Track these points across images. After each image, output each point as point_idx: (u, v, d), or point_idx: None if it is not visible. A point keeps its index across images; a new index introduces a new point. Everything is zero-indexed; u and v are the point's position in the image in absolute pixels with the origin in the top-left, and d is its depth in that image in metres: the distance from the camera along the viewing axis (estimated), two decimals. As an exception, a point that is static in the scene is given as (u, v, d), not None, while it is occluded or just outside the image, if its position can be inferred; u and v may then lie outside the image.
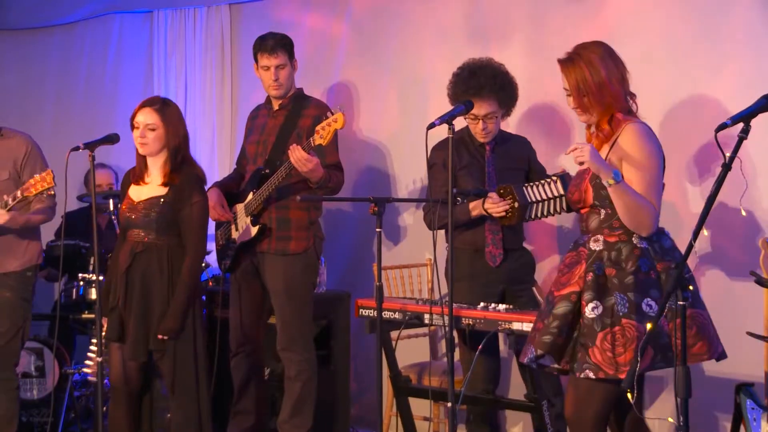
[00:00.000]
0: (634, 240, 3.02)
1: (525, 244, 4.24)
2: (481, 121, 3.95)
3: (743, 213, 3.43)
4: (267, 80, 4.38)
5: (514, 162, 4.04)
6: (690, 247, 2.72)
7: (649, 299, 2.95)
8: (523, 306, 3.84)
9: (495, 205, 3.80)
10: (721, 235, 4.00)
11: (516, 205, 3.75)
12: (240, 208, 4.39)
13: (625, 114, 3.06)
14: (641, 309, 2.95)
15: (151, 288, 3.82)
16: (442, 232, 4.06)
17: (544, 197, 3.72)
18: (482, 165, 4.04)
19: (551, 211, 3.74)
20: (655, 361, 2.93)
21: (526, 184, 3.77)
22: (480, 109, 3.90)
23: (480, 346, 3.62)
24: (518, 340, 3.50)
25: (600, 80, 3.02)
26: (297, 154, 4.03)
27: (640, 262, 2.98)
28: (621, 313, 2.95)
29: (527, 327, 3.41)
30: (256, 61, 4.41)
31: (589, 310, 2.98)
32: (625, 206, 2.96)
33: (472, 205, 3.93)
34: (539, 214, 3.76)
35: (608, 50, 3.09)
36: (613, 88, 3.03)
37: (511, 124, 4.38)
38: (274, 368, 4.59)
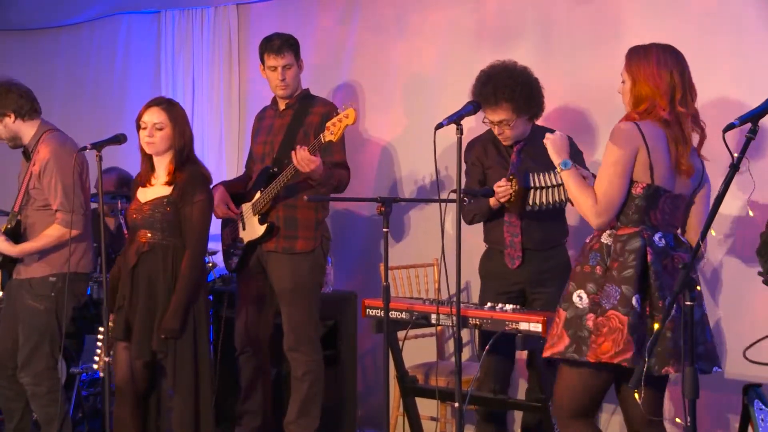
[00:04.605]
0: (603, 236, 3.09)
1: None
2: (496, 127, 3.94)
3: (750, 213, 3.45)
4: (274, 80, 4.39)
5: (543, 164, 3.79)
6: (698, 247, 2.71)
7: (581, 291, 3.05)
8: (538, 308, 3.83)
9: (499, 189, 3.81)
10: (729, 236, 3.98)
11: (516, 189, 3.76)
12: (247, 207, 4.39)
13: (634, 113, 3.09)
14: (571, 299, 3.06)
15: (156, 288, 3.84)
16: (452, 231, 4.02)
17: (546, 184, 3.72)
18: (507, 166, 4.00)
19: (553, 199, 3.73)
20: (568, 350, 3.02)
21: (536, 172, 3.76)
22: (493, 115, 3.90)
23: (487, 346, 3.62)
24: (526, 340, 3.50)
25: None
26: (300, 154, 4.04)
27: (591, 256, 3.08)
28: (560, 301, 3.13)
29: (534, 327, 3.45)
30: (263, 61, 4.42)
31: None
32: (569, 193, 3.14)
33: (491, 199, 3.93)
34: (541, 201, 3.75)
35: None
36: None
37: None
38: (281, 368, 4.59)
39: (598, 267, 3.03)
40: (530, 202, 3.76)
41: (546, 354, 3.08)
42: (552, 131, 3.89)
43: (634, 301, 2.94)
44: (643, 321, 2.96)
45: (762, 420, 3.32)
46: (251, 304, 4.43)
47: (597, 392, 3.13)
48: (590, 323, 2.98)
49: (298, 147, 4.08)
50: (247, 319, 4.43)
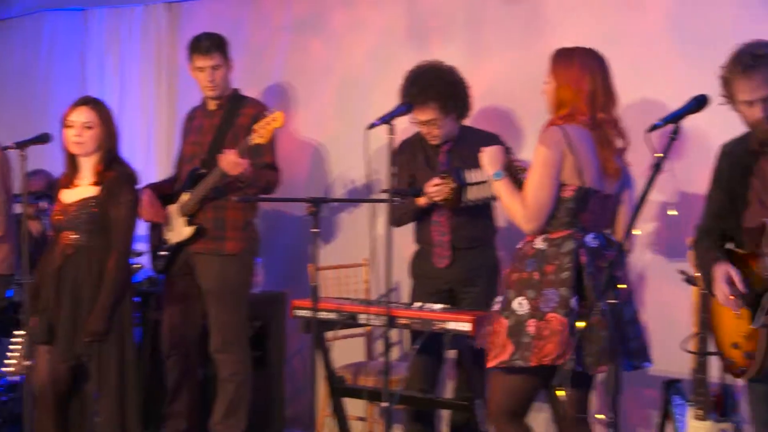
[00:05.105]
0: (535, 241, 3.10)
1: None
2: (424, 126, 3.95)
3: (673, 212, 3.54)
4: (202, 81, 4.36)
5: (474, 164, 3.68)
6: (620, 246, 2.79)
7: (522, 298, 3.05)
8: (467, 307, 3.82)
9: (434, 189, 3.81)
10: (652, 235, 4.02)
11: (453, 186, 3.76)
12: (175, 208, 4.35)
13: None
14: (511, 306, 3.07)
15: (82, 290, 3.78)
16: (383, 232, 4.02)
17: (480, 179, 3.72)
18: (436, 167, 4.01)
19: (489, 194, 3.73)
20: (513, 358, 3.02)
21: (470, 168, 3.76)
22: (420, 115, 3.91)
23: (416, 346, 3.72)
24: (455, 339, 3.53)
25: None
26: (227, 158, 4.03)
27: (527, 262, 3.10)
28: (497, 310, 3.14)
29: (463, 326, 3.48)
30: (191, 62, 4.38)
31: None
32: (502, 202, 3.22)
33: (420, 198, 3.93)
34: (477, 197, 3.78)
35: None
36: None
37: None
38: (208, 370, 4.53)
39: (535, 273, 3.05)
40: (466, 198, 3.77)
41: (492, 364, 3.09)
42: (480, 132, 4.02)
43: (572, 302, 2.98)
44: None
45: (680, 414, 3.40)
46: (179, 306, 4.38)
47: (530, 395, 3.18)
48: (531, 329, 3.00)
49: (226, 151, 4.06)
50: (174, 322, 4.38)
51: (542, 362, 2.96)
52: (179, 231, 4.31)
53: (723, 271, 2.82)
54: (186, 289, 4.38)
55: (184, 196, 4.29)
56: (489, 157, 3.25)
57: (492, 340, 3.11)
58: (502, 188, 3.17)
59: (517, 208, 3.09)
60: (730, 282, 2.79)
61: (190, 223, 4.26)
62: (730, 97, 2.77)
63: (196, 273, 4.33)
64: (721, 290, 2.82)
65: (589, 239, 3.07)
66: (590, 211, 3.09)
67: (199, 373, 4.51)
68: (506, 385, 3.14)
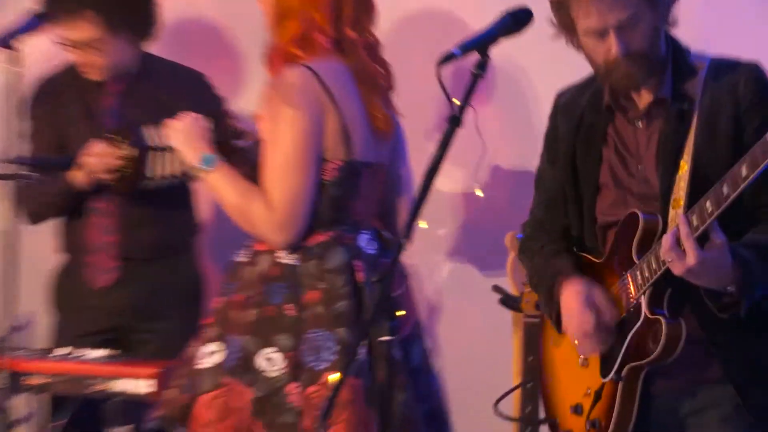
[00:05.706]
0: (277, 252, 2.76)
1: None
2: (80, 51, 3.61)
3: (479, 193, 3.47)
4: None
5: (157, 113, 3.49)
6: (399, 249, 2.32)
7: (270, 349, 2.70)
8: (150, 354, 3.43)
9: (95, 158, 3.42)
10: (451, 229, 3.81)
11: (127, 153, 3.42)
12: None
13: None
14: (253, 366, 2.71)
15: None
16: (7, 229, 3.52)
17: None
18: (100, 119, 3.68)
19: (182, 168, 3.34)
20: None
21: (153, 125, 3.42)
22: (70, 32, 3.56)
23: (62, 421, 3.35)
24: (126, 408, 3.22)
25: None
26: None
27: (271, 289, 2.74)
28: (225, 370, 2.73)
29: (139, 386, 3.17)
30: None
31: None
32: (225, 204, 2.86)
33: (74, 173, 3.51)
34: (169, 172, 3.48)
35: None
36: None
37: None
38: None
39: (288, 306, 2.74)
40: (152, 173, 3.45)
41: None
42: (173, 65, 3.82)
43: (361, 351, 2.69)
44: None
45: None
46: None
47: None
48: (295, 399, 2.69)
49: None
50: None
51: None
52: None
53: (576, 291, 2.45)
54: None
55: None
56: (182, 136, 2.94)
57: (213, 420, 2.71)
58: (221, 182, 2.82)
59: (257, 211, 2.75)
60: (593, 308, 2.42)
61: None
62: (566, 26, 2.45)
63: None
64: (577, 324, 2.45)
65: (364, 242, 2.84)
66: (362, 196, 2.83)
67: None
68: None
